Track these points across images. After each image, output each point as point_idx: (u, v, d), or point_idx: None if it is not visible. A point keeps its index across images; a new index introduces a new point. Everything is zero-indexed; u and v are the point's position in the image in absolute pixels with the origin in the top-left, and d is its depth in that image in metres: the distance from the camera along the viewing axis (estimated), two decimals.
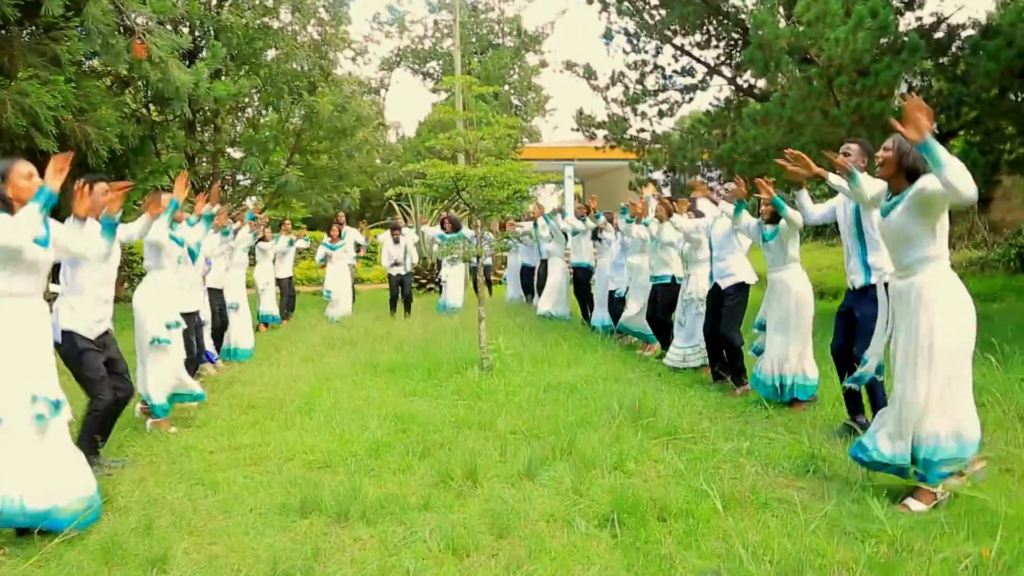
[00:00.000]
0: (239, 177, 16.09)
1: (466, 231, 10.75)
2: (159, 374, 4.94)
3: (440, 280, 11.75)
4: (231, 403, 5.81)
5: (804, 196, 4.73)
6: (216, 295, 7.17)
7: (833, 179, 4.15)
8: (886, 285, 3.76)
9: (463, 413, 5.03)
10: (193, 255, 5.82)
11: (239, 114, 15.97)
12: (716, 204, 6.13)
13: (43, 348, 3.35)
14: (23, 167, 3.28)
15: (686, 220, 6.20)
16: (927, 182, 3.08)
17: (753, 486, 3.46)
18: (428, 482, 3.78)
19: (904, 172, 3.26)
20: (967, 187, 2.88)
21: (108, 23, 8.10)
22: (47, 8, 7.47)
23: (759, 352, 5.48)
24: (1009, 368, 5.04)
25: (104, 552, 3.02)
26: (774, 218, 5.20)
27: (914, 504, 3.19)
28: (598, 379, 5.97)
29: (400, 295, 11.32)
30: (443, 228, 11.06)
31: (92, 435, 4.00)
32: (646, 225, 7.17)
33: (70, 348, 3.92)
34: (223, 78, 11.66)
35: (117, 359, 4.22)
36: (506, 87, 28.29)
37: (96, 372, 3.98)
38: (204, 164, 16.05)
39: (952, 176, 2.87)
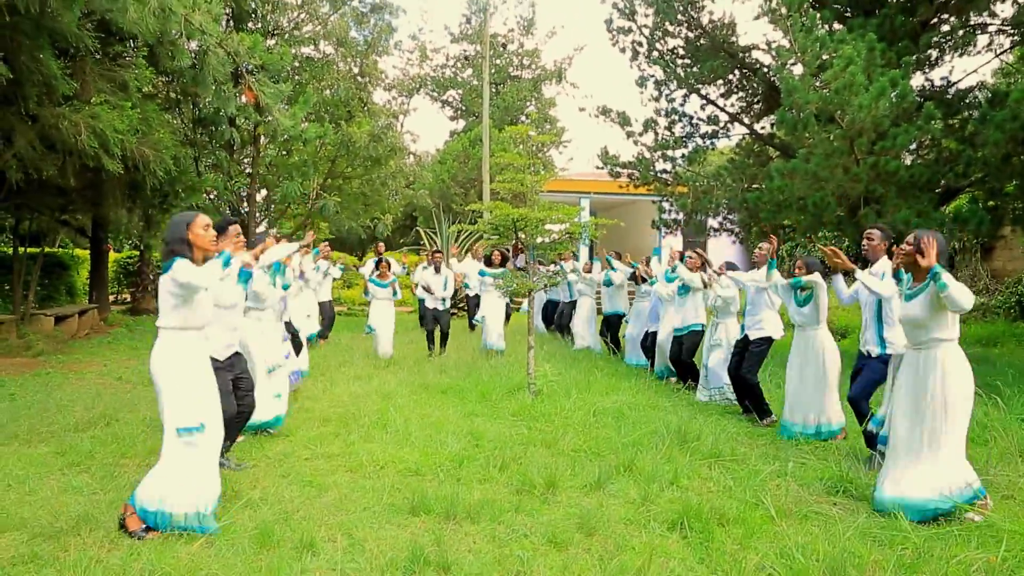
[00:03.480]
0: (274, 199, 16.82)
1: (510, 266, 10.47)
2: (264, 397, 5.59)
3: (479, 319, 10.81)
4: (306, 417, 6.42)
5: (838, 280, 5.40)
6: (287, 326, 7.79)
7: (860, 275, 4.87)
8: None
9: (527, 433, 5.67)
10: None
11: (277, 139, 16.73)
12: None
13: (200, 371, 3.91)
14: (203, 219, 3.91)
15: (727, 287, 6.85)
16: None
17: (795, 501, 4.10)
18: (512, 490, 4.40)
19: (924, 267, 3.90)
20: (962, 302, 3.65)
21: (225, 72, 8.86)
22: (176, 60, 8.23)
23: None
24: (1010, 408, 5.67)
25: (259, 537, 3.62)
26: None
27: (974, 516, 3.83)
28: (638, 406, 6.60)
29: (438, 329, 10.47)
30: (488, 263, 10.40)
31: None
32: (668, 281, 7.85)
33: None
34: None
35: (244, 377, 4.82)
36: (524, 118, 29.14)
37: (223, 387, 4.55)
38: (240, 181, 16.75)
39: (956, 296, 3.64)
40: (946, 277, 3.66)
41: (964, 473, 3.87)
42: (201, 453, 3.79)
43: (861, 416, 5.09)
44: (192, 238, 3.84)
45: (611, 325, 10.35)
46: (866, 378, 5.07)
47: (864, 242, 4.90)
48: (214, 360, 4.56)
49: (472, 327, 13.51)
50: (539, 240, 7.04)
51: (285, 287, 7.80)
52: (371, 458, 5.04)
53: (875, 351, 5.01)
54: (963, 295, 3.65)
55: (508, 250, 11.21)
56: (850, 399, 5.17)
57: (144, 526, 3.71)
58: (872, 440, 5.10)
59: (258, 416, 5.54)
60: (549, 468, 4.61)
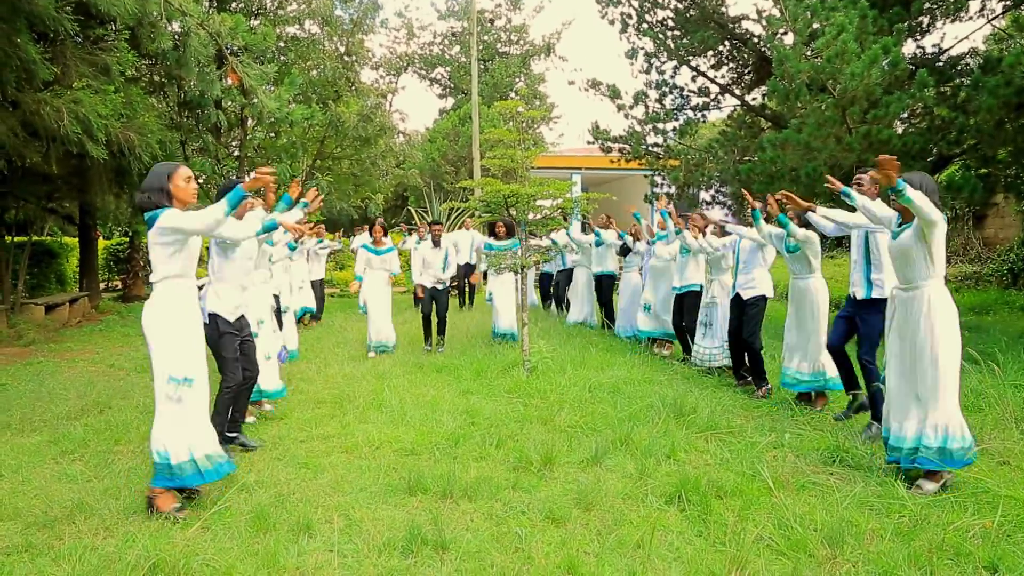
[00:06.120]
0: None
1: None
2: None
3: (488, 299, 9.80)
4: (300, 399, 6.40)
5: (813, 217, 5.38)
6: (275, 299, 7.73)
7: (821, 211, 4.90)
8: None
9: (523, 410, 5.66)
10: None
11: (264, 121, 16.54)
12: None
13: (192, 324, 3.83)
14: (184, 171, 3.81)
15: (714, 239, 6.84)
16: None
17: (792, 472, 4.10)
18: (509, 467, 4.39)
19: None
20: (931, 212, 3.75)
21: (208, 54, 8.68)
22: (157, 43, 8.07)
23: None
24: (1005, 375, 5.68)
25: (255, 520, 3.60)
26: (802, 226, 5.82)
27: (927, 485, 3.83)
28: (634, 381, 6.59)
29: (434, 313, 8.97)
30: (493, 235, 9.30)
31: (225, 410, 4.54)
32: (666, 242, 7.82)
33: (213, 330, 4.45)
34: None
35: (249, 342, 4.76)
36: (513, 94, 28.89)
37: (231, 353, 4.52)
38: (228, 164, 16.57)
39: (920, 204, 3.72)
40: (909, 192, 3.71)
41: (958, 417, 3.86)
42: (188, 408, 3.75)
43: (870, 378, 4.95)
44: (173, 189, 3.74)
45: (602, 287, 10.31)
46: (868, 336, 4.96)
47: (854, 187, 4.85)
48: (224, 321, 4.52)
49: (462, 305, 13.41)
50: (530, 216, 6.97)
51: (292, 247, 7.72)
52: (367, 438, 5.01)
53: (860, 293, 4.97)
54: (928, 205, 3.73)
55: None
56: (859, 360, 5.02)
57: (177, 505, 3.73)
58: (872, 406, 5.06)
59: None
60: (546, 444, 4.60)
